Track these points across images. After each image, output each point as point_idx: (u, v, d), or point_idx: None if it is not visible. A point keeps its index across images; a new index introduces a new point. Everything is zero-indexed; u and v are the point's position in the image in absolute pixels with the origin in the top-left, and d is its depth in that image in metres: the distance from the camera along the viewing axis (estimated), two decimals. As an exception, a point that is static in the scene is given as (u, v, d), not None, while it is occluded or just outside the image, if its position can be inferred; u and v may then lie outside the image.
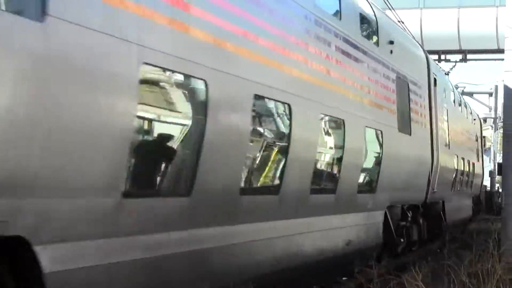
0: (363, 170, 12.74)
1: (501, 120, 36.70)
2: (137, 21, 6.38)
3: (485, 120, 47.58)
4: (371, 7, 13.84)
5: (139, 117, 6.57)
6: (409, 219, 16.20)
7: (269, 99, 8.95)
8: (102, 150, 5.96)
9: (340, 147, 11.39)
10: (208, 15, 7.54)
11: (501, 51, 24.72)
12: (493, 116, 47.96)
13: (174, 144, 7.36)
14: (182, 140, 7.46)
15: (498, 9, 32.11)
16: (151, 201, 6.84)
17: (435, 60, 27.94)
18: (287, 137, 9.32)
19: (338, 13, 11.47)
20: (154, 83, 6.94)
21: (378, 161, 13.34)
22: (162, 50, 6.68)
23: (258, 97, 8.57)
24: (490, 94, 47.97)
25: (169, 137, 7.31)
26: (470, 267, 10.50)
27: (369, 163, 13.30)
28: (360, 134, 12.19)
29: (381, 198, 13.77)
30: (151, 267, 6.84)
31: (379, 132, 13.23)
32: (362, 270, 11.15)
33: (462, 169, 24.18)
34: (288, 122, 9.33)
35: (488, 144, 48.07)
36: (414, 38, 19.06)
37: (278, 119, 9.63)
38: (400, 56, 15.12)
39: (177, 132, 7.40)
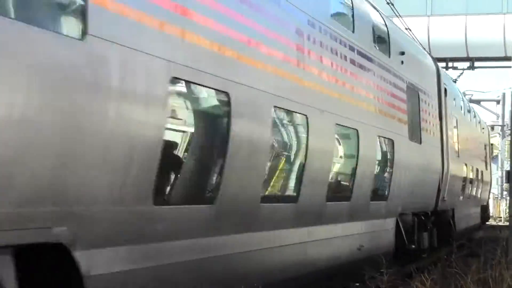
0: (375, 178, 12.99)
1: (509, 127, 36.71)
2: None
3: (492, 128, 47.54)
4: (383, 18, 14.22)
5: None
6: (420, 226, 16.39)
7: (287, 110, 9.40)
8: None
9: (355, 156, 11.75)
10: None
11: (508, 58, 24.77)
12: (500, 123, 47.91)
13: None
14: None
15: (505, 17, 32.12)
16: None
17: (442, 67, 27.94)
18: (305, 147, 9.79)
19: (351, 26, 11.95)
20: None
21: (390, 170, 13.67)
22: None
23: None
24: (498, 102, 47.92)
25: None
26: (478, 274, 10.49)
27: (381, 171, 13.63)
28: (372, 143, 12.58)
29: (393, 206, 14.06)
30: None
31: (390, 141, 13.54)
32: (372, 276, 11.15)
33: (471, 177, 24.32)
34: (305, 132, 9.81)
35: (495, 151, 48.01)
36: (421, 45, 19.10)
37: (296, 129, 10.08)
38: (411, 67, 15.41)
39: None
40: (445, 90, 18.90)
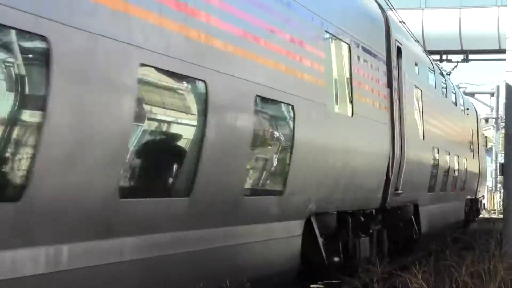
0: (254, 161, 8.96)
1: (503, 120, 36.73)
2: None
3: (486, 120, 47.67)
4: None
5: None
6: (356, 230, 12.00)
7: None
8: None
9: (198, 124, 7.39)
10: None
11: (502, 51, 24.76)
12: (494, 116, 48.00)
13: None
14: None
15: (499, 9, 32.11)
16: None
17: (436, 60, 27.93)
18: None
19: None
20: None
21: (287, 150, 9.24)
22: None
23: None
24: (492, 94, 48.06)
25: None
26: (472, 266, 10.51)
27: (268, 151, 9.27)
28: (243, 106, 8.12)
29: (296, 203, 9.75)
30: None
31: (287, 106, 9.22)
32: (366, 269, 11.13)
33: (447, 166, 19.78)
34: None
35: (490, 144, 48.11)
36: (415, 37, 18.79)
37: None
38: (334, 8, 11.25)
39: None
40: (399, 49, 14.21)
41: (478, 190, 29.04)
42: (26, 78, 5.37)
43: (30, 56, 5.49)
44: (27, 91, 5.39)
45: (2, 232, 5.21)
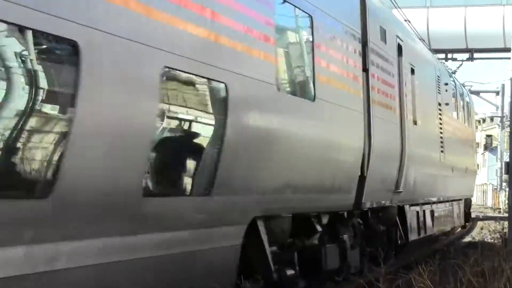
0: None
1: (508, 118, 36.69)
2: None
3: (492, 119, 47.62)
4: None
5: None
6: None
7: None
8: None
9: None
10: None
11: (507, 49, 24.75)
12: (500, 114, 47.95)
13: None
14: None
15: (505, 8, 32.09)
16: None
17: (441, 59, 27.87)
18: None
19: None
20: None
21: None
22: None
23: None
24: (497, 93, 47.97)
25: None
26: (476, 265, 10.51)
27: None
28: None
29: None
30: None
31: None
32: (371, 268, 11.15)
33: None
34: None
35: (495, 143, 48.04)
36: (420, 36, 18.82)
37: None
38: None
39: None
40: None
41: (398, 186, 13.02)
42: None
43: None
44: None
45: None
